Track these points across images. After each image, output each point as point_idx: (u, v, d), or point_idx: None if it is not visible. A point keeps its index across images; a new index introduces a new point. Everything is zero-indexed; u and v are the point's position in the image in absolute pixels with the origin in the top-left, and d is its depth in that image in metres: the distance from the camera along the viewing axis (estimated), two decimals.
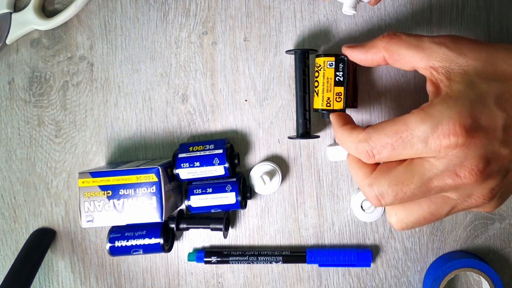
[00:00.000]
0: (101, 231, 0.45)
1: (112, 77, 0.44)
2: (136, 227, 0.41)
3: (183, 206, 0.44)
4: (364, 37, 0.42)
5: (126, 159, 0.45)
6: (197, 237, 0.45)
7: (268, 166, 0.43)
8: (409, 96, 0.42)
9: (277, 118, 0.44)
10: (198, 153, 0.41)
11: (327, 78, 0.35)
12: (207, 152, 0.40)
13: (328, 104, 0.36)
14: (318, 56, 0.37)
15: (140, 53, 0.44)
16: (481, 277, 0.41)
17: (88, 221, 0.39)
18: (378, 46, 0.34)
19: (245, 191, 0.42)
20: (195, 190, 0.41)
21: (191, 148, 0.41)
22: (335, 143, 0.42)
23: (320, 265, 0.43)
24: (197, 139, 0.44)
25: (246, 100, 0.44)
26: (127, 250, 0.40)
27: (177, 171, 0.40)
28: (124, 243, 0.40)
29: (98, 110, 0.45)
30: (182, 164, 0.40)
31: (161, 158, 0.44)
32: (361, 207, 0.42)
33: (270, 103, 0.44)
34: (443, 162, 0.28)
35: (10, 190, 0.45)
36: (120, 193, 0.39)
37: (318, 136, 0.42)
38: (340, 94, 0.35)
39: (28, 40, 0.45)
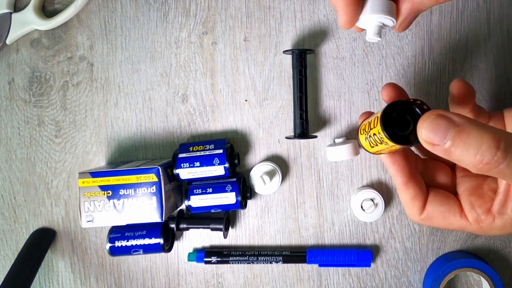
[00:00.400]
0: (101, 231, 0.45)
1: (112, 77, 0.44)
2: (136, 227, 0.41)
3: (183, 206, 0.44)
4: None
5: (126, 159, 0.45)
6: (197, 237, 0.45)
7: (268, 166, 0.43)
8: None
9: (277, 118, 0.44)
10: (198, 153, 0.41)
11: (390, 150, 0.30)
12: (207, 152, 0.40)
13: (380, 152, 0.32)
14: (389, 137, 0.28)
15: (140, 53, 0.44)
16: (481, 277, 0.41)
17: (88, 221, 0.39)
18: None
19: (245, 191, 0.42)
20: (195, 190, 0.41)
21: (191, 148, 0.41)
22: (334, 143, 0.42)
23: (320, 265, 0.43)
24: (197, 139, 0.44)
25: (246, 100, 0.44)
26: (127, 250, 0.40)
27: (177, 171, 0.40)
28: (124, 243, 0.40)
29: (98, 110, 0.45)
30: (182, 164, 0.40)
31: (161, 158, 0.44)
32: (361, 207, 0.42)
33: (270, 103, 0.44)
34: None
35: (10, 190, 0.45)
36: (120, 193, 0.38)
37: (316, 136, 0.42)
38: (398, 150, 0.31)
39: (28, 40, 0.45)
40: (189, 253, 0.44)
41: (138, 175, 0.38)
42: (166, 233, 0.41)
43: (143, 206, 0.38)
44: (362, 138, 0.32)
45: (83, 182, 0.39)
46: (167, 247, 0.42)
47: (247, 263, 0.43)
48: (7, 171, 0.45)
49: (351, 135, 0.43)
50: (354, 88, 0.43)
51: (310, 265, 0.44)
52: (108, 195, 0.39)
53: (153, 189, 0.38)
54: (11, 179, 0.45)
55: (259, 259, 0.43)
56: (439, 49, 0.43)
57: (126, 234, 0.40)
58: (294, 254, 0.43)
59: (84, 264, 0.45)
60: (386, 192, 0.43)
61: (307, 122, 0.41)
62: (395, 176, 0.31)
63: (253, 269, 0.44)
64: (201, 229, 0.44)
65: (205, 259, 0.43)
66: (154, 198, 0.38)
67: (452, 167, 0.35)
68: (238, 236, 0.45)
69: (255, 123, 0.44)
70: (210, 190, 0.41)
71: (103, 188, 0.39)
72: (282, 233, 0.44)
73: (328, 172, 0.44)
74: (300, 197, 0.44)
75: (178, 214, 0.43)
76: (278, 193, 0.44)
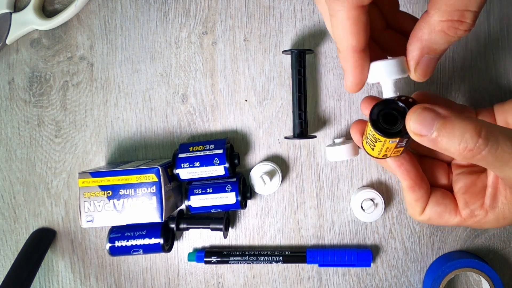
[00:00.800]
0: (101, 231, 0.45)
1: (112, 77, 0.44)
2: (136, 227, 0.41)
3: (183, 206, 0.44)
4: None
5: (126, 159, 0.45)
6: (197, 237, 0.45)
7: (268, 166, 0.43)
8: None
9: (277, 118, 0.44)
10: (198, 153, 0.41)
11: (387, 147, 0.30)
12: (207, 152, 0.40)
13: (385, 157, 0.32)
14: (378, 131, 0.29)
15: (140, 53, 0.44)
16: (481, 277, 0.41)
17: (88, 221, 0.39)
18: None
19: (245, 191, 0.42)
20: (195, 190, 0.41)
21: (191, 148, 0.41)
22: (334, 143, 0.42)
23: (320, 265, 0.43)
24: (197, 139, 0.44)
25: (246, 100, 0.44)
26: (127, 250, 0.40)
27: (177, 171, 0.40)
28: (124, 243, 0.40)
29: (98, 110, 0.45)
30: (182, 164, 0.40)
31: (161, 158, 0.44)
32: (361, 207, 0.42)
33: (270, 103, 0.44)
34: None
35: (10, 190, 0.45)
36: (120, 193, 0.38)
37: (315, 136, 0.42)
38: (399, 151, 0.32)
39: (28, 40, 0.45)
40: (189, 253, 0.44)
41: (138, 175, 0.38)
42: (166, 233, 0.41)
43: (143, 206, 0.38)
44: (364, 143, 0.33)
45: (83, 182, 0.39)
46: (167, 247, 0.42)
47: (247, 263, 0.43)
48: (7, 171, 0.45)
49: (350, 135, 0.43)
50: None
51: (310, 265, 0.44)
52: (108, 195, 0.39)
53: (153, 189, 0.38)
54: (11, 179, 0.45)
55: (259, 259, 0.43)
56: None
57: (126, 234, 0.40)
58: (294, 254, 0.43)
59: (84, 264, 0.45)
60: (386, 192, 0.43)
61: (306, 122, 0.41)
62: (402, 179, 0.32)
63: (253, 269, 0.44)
64: (201, 229, 0.44)
65: (205, 259, 0.43)
66: (154, 198, 0.38)
67: (449, 165, 0.35)
68: (238, 236, 0.45)
69: (255, 123, 0.44)
70: (210, 190, 0.41)
71: (103, 188, 0.39)
72: (282, 233, 0.44)
73: (328, 172, 0.44)
74: (300, 197, 0.44)
75: (178, 214, 0.43)
76: (278, 193, 0.44)
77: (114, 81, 0.44)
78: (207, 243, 0.45)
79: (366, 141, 0.32)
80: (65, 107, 0.45)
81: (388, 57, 0.30)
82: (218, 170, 0.40)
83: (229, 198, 0.40)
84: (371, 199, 0.42)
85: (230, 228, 0.44)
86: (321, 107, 0.43)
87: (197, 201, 0.41)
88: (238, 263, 0.43)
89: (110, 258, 0.45)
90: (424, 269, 0.43)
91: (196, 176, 0.40)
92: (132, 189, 0.38)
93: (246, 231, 0.44)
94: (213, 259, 0.43)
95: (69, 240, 0.45)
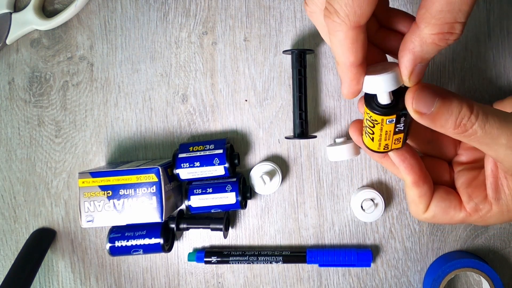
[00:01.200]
0: (101, 231, 0.45)
1: (112, 77, 0.44)
2: (136, 227, 0.41)
3: (183, 206, 0.44)
4: None
5: (126, 159, 0.45)
6: (197, 237, 0.45)
7: (268, 166, 0.43)
8: None
9: (277, 118, 0.44)
10: (198, 153, 0.41)
11: (386, 131, 0.30)
12: (207, 152, 0.40)
13: (386, 148, 0.33)
14: (373, 110, 0.29)
15: (140, 53, 0.44)
16: (481, 277, 0.41)
17: (88, 221, 0.39)
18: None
19: (245, 191, 0.42)
20: (195, 190, 0.41)
21: (191, 148, 0.41)
22: (335, 143, 0.42)
23: (320, 265, 0.43)
24: (197, 139, 0.44)
25: (246, 100, 0.44)
26: (127, 250, 0.40)
27: (177, 171, 0.40)
28: (124, 243, 0.40)
29: (98, 110, 0.45)
30: (182, 164, 0.40)
31: (161, 158, 0.44)
32: (361, 207, 0.42)
33: (270, 103, 0.44)
34: None
35: (10, 190, 0.45)
36: (120, 193, 0.39)
37: (315, 136, 0.42)
38: (399, 139, 0.31)
39: (28, 40, 0.45)
40: (189, 253, 0.44)
41: (138, 175, 0.38)
42: (166, 233, 0.41)
43: (143, 206, 0.38)
44: (364, 138, 0.32)
45: (83, 182, 0.39)
46: (167, 247, 0.42)
47: (247, 263, 0.43)
48: (7, 171, 0.45)
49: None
50: None
51: (310, 265, 0.44)
52: (108, 195, 0.39)
53: (153, 189, 0.38)
54: (11, 179, 0.45)
55: (259, 259, 0.43)
56: None
57: (126, 234, 0.40)
58: (294, 254, 0.43)
59: (84, 264, 0.45)
60: (386, 192, 0.43)
61: (306, 122, 0.41)
62: (405, 174, 0.32)
63: (253, 269, 0.44)
64: (201, 229, 0.44)
65: (205, 259, 0.43)
66: (154, 198, 0.38)
67: (449, 163, 0.35)
68: (238, 236, 0.45)
69: (255, 123, 0.44)
70: (210, 190, 0.41)
71: (103, 188, 0.39)
72: (282, 233, 0.44)
73: (328, 172, 0.44)
74: (300, 197, 0.44)
75: (178, 214, 0.43)
76: (278, 193, 0.44)
77: (114, 81, 0.44)
78: (207, 243, 0.45)
79: (365, 132, 0.31)
80: (65, 107, 0.45)
81: (382, 72, 0.29)
82: (218, 170, 0.40)
83: (229, 198, 0.40)
84: (371, 199, 0.42)
85: (230, 228, 0.44)
86: (321, 107, 0.43)
87: (197, 201, 0.41)
88: (238, 263, 0.43)
89: (110, 258, 0.45)
90: (424, 269, 0.43)
91: (196, 176, 0.40)
92: (132, 189, 0.38)
93: (246, 231, 0.44)
94: (213, 259, 0.43)
95: (69, 240, 0.45)
